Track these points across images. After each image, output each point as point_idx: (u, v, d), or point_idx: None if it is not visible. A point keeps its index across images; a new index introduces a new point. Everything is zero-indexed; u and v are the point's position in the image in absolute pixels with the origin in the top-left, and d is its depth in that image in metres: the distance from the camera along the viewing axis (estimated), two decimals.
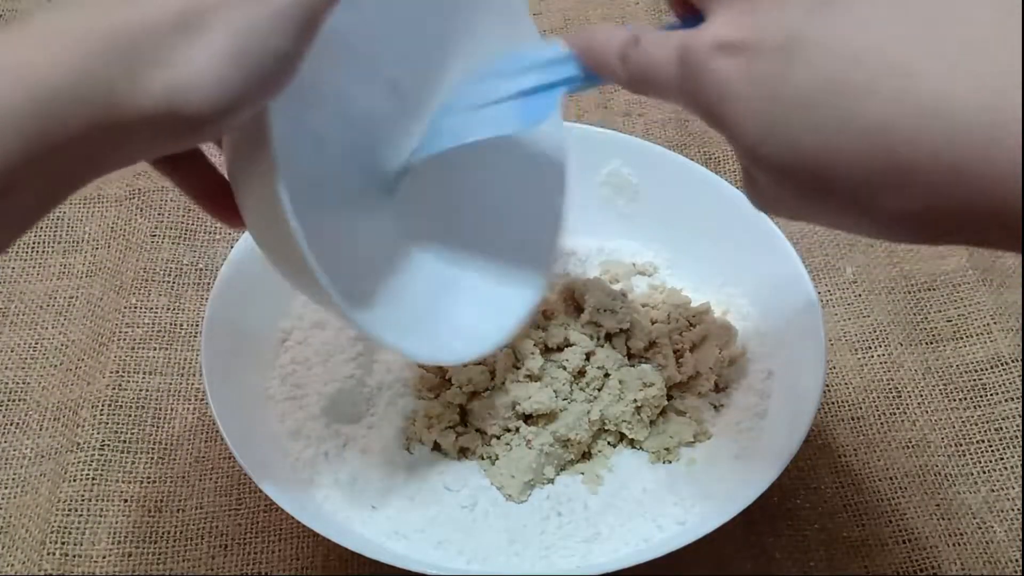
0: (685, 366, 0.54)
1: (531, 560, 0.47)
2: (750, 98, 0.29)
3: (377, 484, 0.49)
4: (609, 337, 0.54)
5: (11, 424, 0.57)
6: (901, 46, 0.27)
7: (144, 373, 0.59)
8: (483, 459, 0.52)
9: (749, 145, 0.30)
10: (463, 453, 0.52)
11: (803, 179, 0.29)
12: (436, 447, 0.52)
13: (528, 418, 0.51)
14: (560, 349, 0.54)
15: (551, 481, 0.51)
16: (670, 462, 0.52)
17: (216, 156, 0.40)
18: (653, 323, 0.56)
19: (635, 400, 0.51)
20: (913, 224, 0.28)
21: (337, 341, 0.54)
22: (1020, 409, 0.58)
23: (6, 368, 0.60)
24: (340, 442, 0.51)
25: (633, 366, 0.53)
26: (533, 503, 0.50)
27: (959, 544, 0.53)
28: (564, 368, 0.52)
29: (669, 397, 0.53)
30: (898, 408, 0.58)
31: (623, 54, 0.34)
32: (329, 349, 0.54)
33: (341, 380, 0.53)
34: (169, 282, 0.63)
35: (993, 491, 0.55)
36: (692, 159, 0.60)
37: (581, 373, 0.53)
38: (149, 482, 0.54)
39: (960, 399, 0.58)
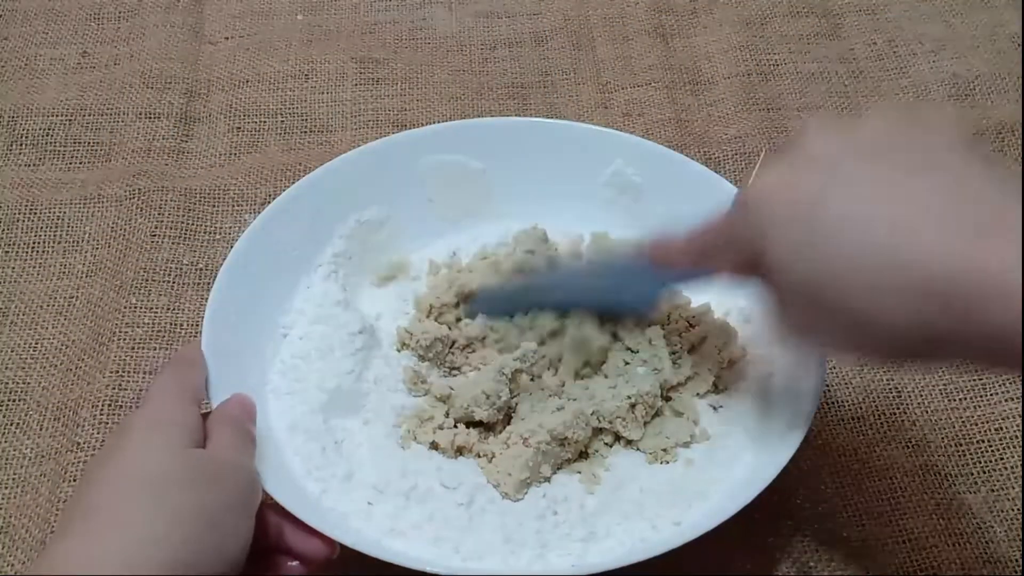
0: (683, 367, 0.54)
1: (527, 559, 0.47)
2: (791, 224, 0.38)
3: (373, 480, 0.49)
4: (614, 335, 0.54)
5: (11, 424, 0.57)
6: (902, 206, 0.36)
7: (144, 373, 0.59)
8: (480, 456, 0.52)
9: (786, 260, 0.38)
10: (459, 451, 0.52)
11: (826, 293, 0.37)
12: (433, 444, 0.52)
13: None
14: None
15: (547, 480, 0.51)
16: (667, 462, 0.51)
17: None
18: (650, 325, 0.56)
19: (629, 396, 0.51)
20: (907, 338, 0.36)
21: (337, 336, 0.55)
22: (1020, 409, 0.58)
23: (6, 368, 0.60)
24: (338, 437, 0.51)
25: (628, 363, 0.53)
26: (529, 501, 0.50)
27: (959, 544, 0.53)
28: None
29: (667, 398, 0.53)
30: (898, 408, 0.58)
31: (689, 239, 0.46)
32: (329, 344, 0.54)
33: (341, 375, 0.53)
34: (169, 282, 0.63)
35: (993, 491, 0.55)
36: (692, 159, 0.60)
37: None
38: None
39: (960, 399, 0.58)
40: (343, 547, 0.45)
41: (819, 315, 0.39)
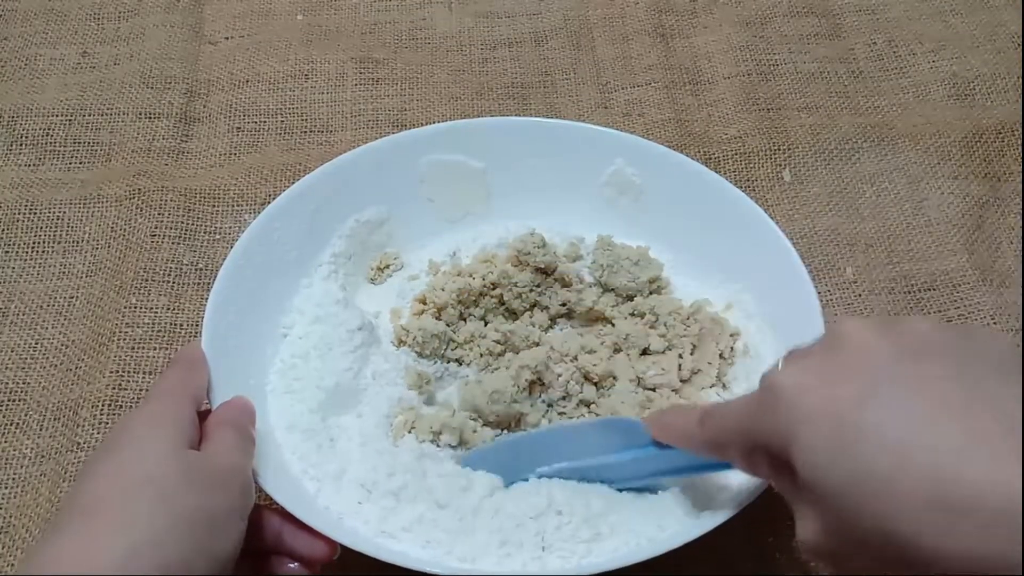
0: (683, 369, 0.54)
1: (522, 560, 0.47)
2: (826, 422, 0.34)
3: (364, 478, 0.49)
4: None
5: (11, 424, 0.57)
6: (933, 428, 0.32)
7: (144, 373, 0.59)
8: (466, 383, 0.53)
9: (819, 464, 0.33)
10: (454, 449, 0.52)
11: (859, 504, 0.32)
12: (433, 439, 0.52)
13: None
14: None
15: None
16: None
17: None
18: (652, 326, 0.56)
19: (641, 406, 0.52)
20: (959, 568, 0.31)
21: (336, 334, 0.55)
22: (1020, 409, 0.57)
23: (6, 368, 0.60)
24: (334, 435, 0.51)
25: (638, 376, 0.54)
26: (531, 501, 0.50)
27: None
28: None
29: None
30: None
31: (700, 421, 0.41)
32: (328, 342, 0.54)
33: (339, 373, 0.53)
34: (169, 282, 0.63)
35: None
36: (693, 159, 0.60)
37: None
38: None
39: None
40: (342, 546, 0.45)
41: (852, 533, 0.33)
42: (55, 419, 0.57)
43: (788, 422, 0.35)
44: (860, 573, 0.35)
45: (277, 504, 0.45)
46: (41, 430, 0.57)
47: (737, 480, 0.48)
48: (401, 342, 0.56)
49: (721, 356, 0.55)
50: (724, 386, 0.55)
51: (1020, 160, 0.70)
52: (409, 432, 0.52)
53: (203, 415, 0.46)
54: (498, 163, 0.61)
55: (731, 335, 0.56)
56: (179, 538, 0.38)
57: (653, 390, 0.54)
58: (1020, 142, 0.71)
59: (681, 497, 0.49)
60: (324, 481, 0.49)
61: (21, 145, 0.71)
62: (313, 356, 0.54)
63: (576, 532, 0.48)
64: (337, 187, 0.59)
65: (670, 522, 0.48)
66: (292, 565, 0.45)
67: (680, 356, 0.55)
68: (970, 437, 0.31)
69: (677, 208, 0.60)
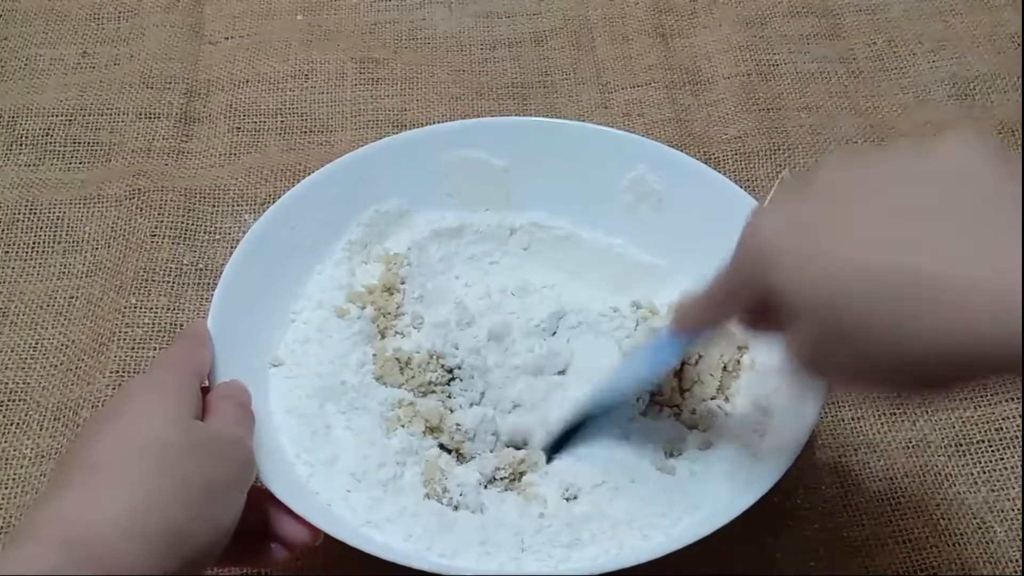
0: (684, 379, 0.54)
1: (500, 560, 0.46)
2: (797, 247, 0.37)
3: (353, 468, 0.49)
4: None
5: (11, 424, 0.57)
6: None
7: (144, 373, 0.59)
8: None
9: (792, 280, 0.36)
10: (443, 448, 0.52)
11: (835, 306, 0.35)
12: (427, 432, 0.52)
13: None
14: None
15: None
16: (676, 454, 0.52)
17: None
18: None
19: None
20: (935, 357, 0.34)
21: (342, 320, 0.55)
22: (1020, 409, 0.58)
23: (6, 368, 0.60)
24: (330, 422, 0.52)
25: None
26: (513, 503, 0.50)
27: (959, 544, 0.53)
28: None
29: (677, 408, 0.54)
30: (898, 408, 0.58)
31: (706, 295, 0.43)
32: (329, 329, 0.55)
33: (337, 360, 0.53)
34: (169, 282, 0.63)
35: (993, 491, 0.55)
36: (717, 172, 0.59)
37: None
38: None
39: (960, 399, 0.58)
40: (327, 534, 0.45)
41: (835, 344, 0.36)
42: (55, 419, 0.57)
43: (765, 254, 0.38)
44: (845, 378, 0.39)
45: (265, 487, 0.45)
46: (41, 430, 0.57)
47: (726, 492, 0.48)
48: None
49: (725, 368, 0.54)
50: (727, 398, 0.54)
51: (1020, 160, 0.70)
52: (402, 427, 0.52)
53: (203, 392, 0.46)
54: (520, 162, 0.61)
55: (738, 347, 0.55)
56: (180, 503, 0.38)
57: (653, 396, 0.54)
58: (1020, 142, 0.71)
59: (668, 507, 0.49)
60: (316, 467, 0.49)
61: (21, 145, 0.71)
62: (314, 342, 0.54)
63: (556, 536, 0.47)
64: (358, 178, 0.59)
65: (654, 532, 0.48)
66: (274, 546, 0.45)
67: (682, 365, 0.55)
68: (925, 232, 0.34)
69: (696, 219, 0.58)
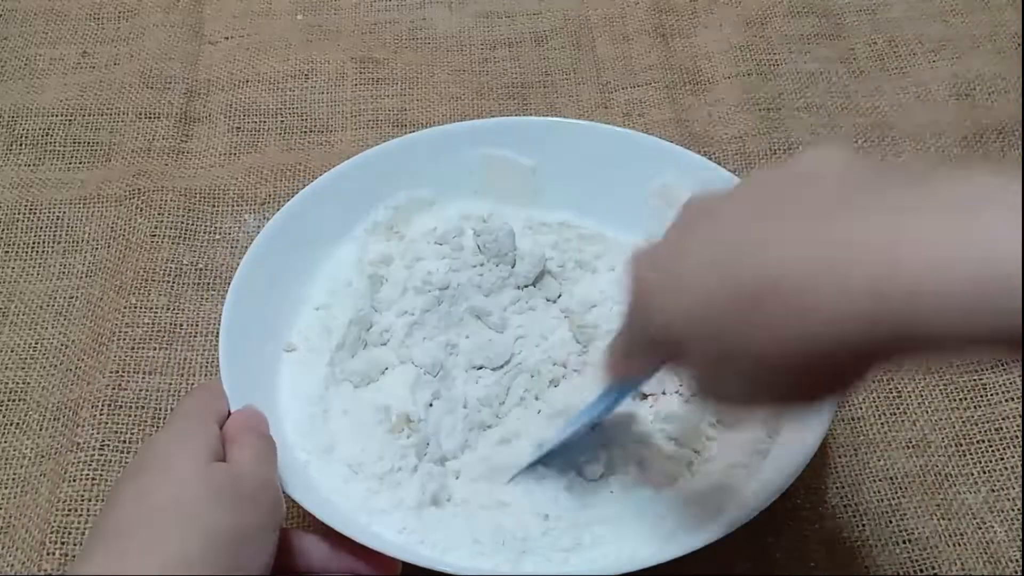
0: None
1: (496, 562, 0.46)
2: (656, 280, 0.38)
3: (351, 459, 0.49)
4: None
5: (11, 424, 0.57)
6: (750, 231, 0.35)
7: (144, 373, 0.59)
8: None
9: (668, 312, 0.37)
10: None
11: (707, 329, 0.35)
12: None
13: None
14: None
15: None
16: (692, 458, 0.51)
17: None
18: None
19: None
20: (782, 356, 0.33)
21: (359, 305, 0.55)
22: (1020, 409, 0.58)
23: (6, 368, 0.60)
24: (331, 408, 0.52)
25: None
26: (520, 504, 0.49)
27: (959, 544, 0.53)
28: None
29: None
30: (898, 408, 0.58)
31: (619, 345, 0.43)
32: (349, 311, 0.55)
33: (353, 344, 0.54)
34: (169, 282, 0.63)
35: (993, 491, 0.55)
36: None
37: None
38: None
39: (960, 399, 0.58)
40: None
41: (718, 367, 0.36)
42: (55, 419, 0.57)
43: (644, 298, 0.39)
44: (738, 401, 0.39)
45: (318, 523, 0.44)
46: (41, 430, 0.57)
47: (727, 503, 0.48)
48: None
49: None
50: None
51: (1020, 160, 0.70)
52: (402, 431, 0.52)
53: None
54: (549, 162, 0.61)
55: None
56: (210, 557, 0.38)
57: (645, 397, 0.54)
58: (1020, 142, 0.71)
59: (669, 515, 0.49)
60: (314, 454, 0.49)
61: (21, 145, 0.71)
62: (333, 327, 0.55)
63: (559, 539, 0.47)
64: (384, 171, 0.59)
65: (658, 538, 0.47)
66: None
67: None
68: (763, 236, 0.34)
69: None
